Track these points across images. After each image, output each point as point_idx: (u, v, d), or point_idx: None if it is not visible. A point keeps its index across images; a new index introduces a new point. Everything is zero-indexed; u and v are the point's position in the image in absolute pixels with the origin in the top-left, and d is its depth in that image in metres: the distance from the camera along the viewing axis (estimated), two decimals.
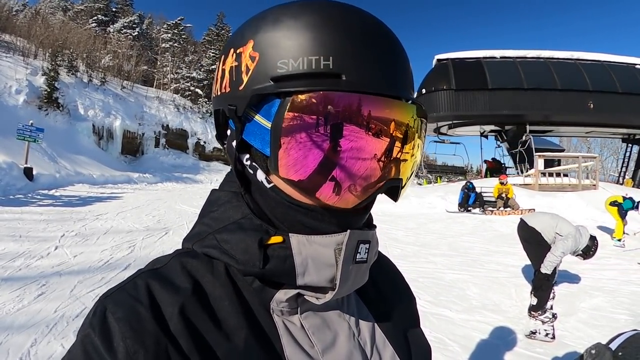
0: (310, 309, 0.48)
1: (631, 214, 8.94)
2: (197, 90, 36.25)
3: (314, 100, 0.40)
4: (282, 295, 0.46)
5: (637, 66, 19.49)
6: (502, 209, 12.75)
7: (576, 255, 4.33)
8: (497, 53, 19.52)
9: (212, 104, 0.52)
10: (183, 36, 41.86)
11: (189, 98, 36.00)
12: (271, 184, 0.45)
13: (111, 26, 37.72)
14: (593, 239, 4.31)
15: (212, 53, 40.04)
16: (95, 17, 38.16)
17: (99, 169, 20.33)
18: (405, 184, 0.47)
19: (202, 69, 38.77)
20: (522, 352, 3.49)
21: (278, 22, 0.43)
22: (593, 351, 0.63)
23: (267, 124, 0.42)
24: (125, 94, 30.00)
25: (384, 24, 0.46)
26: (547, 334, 3.75)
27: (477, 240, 8.54)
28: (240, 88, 0.44)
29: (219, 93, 0.48)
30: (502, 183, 13.12)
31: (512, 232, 9.49)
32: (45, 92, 22.55)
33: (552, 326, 3.83)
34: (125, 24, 38.23)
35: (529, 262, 6.28)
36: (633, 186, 18.87)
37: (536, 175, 15.32)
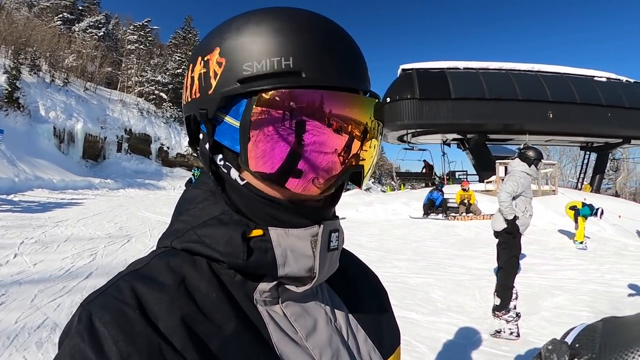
0: (290, 299, 0.50)
1: (590, 219, 9.37)
2: (161, 94, 35.51)
3: (277, 97, 0.43)
4: (265, 285, 0.48)
5: (595, 78, 20.60)
6: (464, 214, 13.13)
7: (531, 165, 4.36)
8: (461, 64, 20.12)
9: (182, 112, 0.54)
10: (149, 38, 40.98)
11: (153, 102, 35.18)
12: (244, 181, 0.48)
13: (76, 25, 36.37)
14: (535, 151, 4.42)
15: (178, 56, 39.38)
16: (61, 15, 36.69)
17: (60, 174, 19.50)
18: (368, 170, 0.50)
19: (168, 73, 38.06)
20: (488, 350, 3.59)
21: (242, 29, 0.46)
22: (550, 347, 0.64)
23: (236, 123, 0.45)
24: (88, 96, 28.97)
25: (336, 24, 0.49)
26: (511, 333, 3.87)
27: (440, 245, 8.73)
28: (210, 92, 0.46)
29: (189, 100, 0.50)
30: (464, 189, 13.59)
31: (474, 236, 9.89)
32: (6, 92, 21.51)
33: (517, 325, 3.95)
34: (91, 24, 36.98)
35: (491, 265, 6.51)
36: (591, 191, 19.86)
37: (497, 182, 15.86)
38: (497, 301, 4.19)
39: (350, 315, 0.57)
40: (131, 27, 40.82)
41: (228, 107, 0.46)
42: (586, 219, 9.07)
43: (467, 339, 3.83)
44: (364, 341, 0.55)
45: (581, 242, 8.71)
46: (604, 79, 20.70)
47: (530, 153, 4.38)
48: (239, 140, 0.45)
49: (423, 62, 20.90)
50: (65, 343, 0.40)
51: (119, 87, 35.14)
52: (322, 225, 0.48)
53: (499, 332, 3.89)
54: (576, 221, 9.08)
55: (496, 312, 4.13)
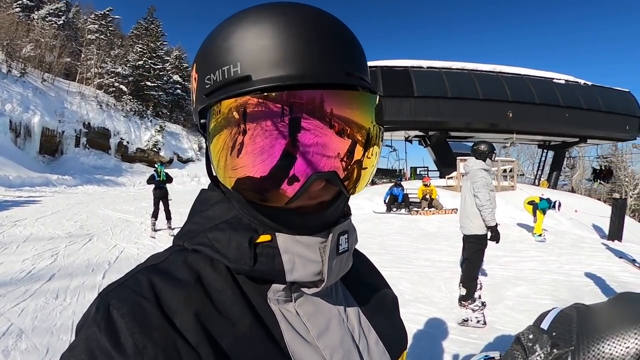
0: (303, 297, 0.50)
1: (549, 214, 9.84)
2: (121, 86, 34.15)
3: (221, 109, 0.41)
4: (278, 285, 0.48)
5: (554, 80, 21.60)
6: (426, 209, 13.49)
7: (486, 159, 4.47)
8: (424, 63, 20.53)
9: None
10: (110, 28, 39.38)
11: (112, 95, 33.77)
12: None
13: (36, 12, 34.25)
14: (487, 144, 4.54)
15: (140, 48, 38.01)
16: (20, 1, 34.47)
17: (16, 170, 18.45)
18: (350, 176, 0.44)
19: (129, 65, 36.66)
20: (457, 338, 3.72)
21: (206, 41, 0.46)
22: (530, 336, 0.69)
23: (210, 137, 0.45)
24: (46, 87, 27.43)
25: (298, 11, 0.43)
26: (478, 321, 4.03)
27: (404, 239, 8.91)
28: (194, 105, 0.48)
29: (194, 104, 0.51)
30: (425, 185, 13.95)
31: (437, 230, 10.18)
32: None
33: (482, 313, 4.11)
34: (51, 11, 34.92)
35: (454, 257, 6.73)
36: (548, 187, 20.84)
37: (458, 178, 16.35)
38: (463, 291, 4.33)
39: (362, 316, 0.57)
40: (92, 16, 39.03)
41: (208, 121, 0.45)
42: (545, 212, 9.52)
43: (436, 329, 3.96)
44: (375, 343, 0.55)
45: (540, 235, 9.13)
46: (562, 82, 21.75)
47: (483, 147, 4.48)
48: (213, 153, 0.44)
49: (387, 59, 21.21)
50: (82, 332, 0.41)
51: (77, 78, 33.56)
52: (331, 233, 0.47)
53: (466, 320, 4.04)
54: (535, 215, 9.51)
55: (462, 302, 4.28)
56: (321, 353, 0.48)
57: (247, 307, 0.46)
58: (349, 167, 0.44)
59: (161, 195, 8.91)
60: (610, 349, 0.58)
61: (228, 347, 0.43)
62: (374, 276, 0.68)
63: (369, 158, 0.46)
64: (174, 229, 8.71)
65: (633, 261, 7.25)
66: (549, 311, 0.74)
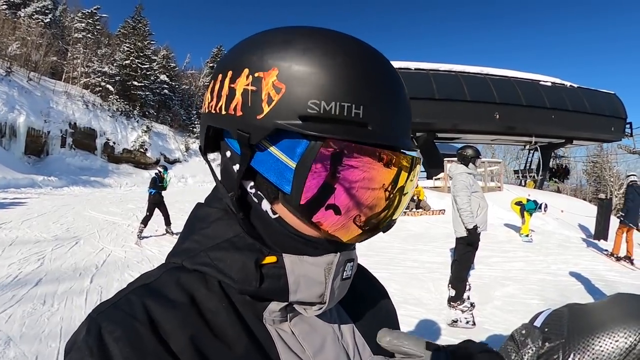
0: (298, 317, 0.50)
1: (535, 215, 10.00)
2: (108, 86, 33.62)
3: (345, 151, 0.41)
4: (275, 305, 0.48)
5: (541, 82, 21.85)
6: (414, 210, 13.61)
7: (469, 164, 4.56)
8: (412, 65, 20.51)
9: (203, 117, 0.50)
10: (97, 27, 38.81)
11: (99, 94, 33.21)
12: (276, 215, 0.46)
13: (22, 10, 33.52)
14: (473, 149, 4.62)
15: (127, 47, 37.48)
16: None
17: (1, 171, 18.08)
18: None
19: (115, 64, 36.13)
20: (447, 339, 3.76)
21: (307, 56, 0.42)
22: (523, 331, 0.71)
23: (290, 163, 0.42)
24: (32, 87, 26.85)
25: (392, 67, 0.47)
26: (467, 322, 4.08)
27: (392, 240, 8.94)
28: (259, 117, 0.42)
29: (222, 112, 0.46)
30: None
31: (425, 231, 10.26)
32: None
33: (472, 314, 4.17)
34: (38, 9, 34.18)
35: (442, 258, 6.78)
36: (534, 188, 21.12)
37: (445, 179, 16.49)
38: (452, 292, 4.38)
39: (357, 332, 0.56)
40: (79, 15, 38.39)
41: (277, 139, 0.43)
42: (531, 213, 9.65)
43: (426, 330, 3.99)
44: (369, 359, 0.55)
45: (527, 235, 9.25)
46: (549, 84, 22.02)
47: (468, 151, 4.57)
48: (292, 183, 0.42)
49: None
50: (72, 354, 0.39)
51: (64, 77, 32.99)
52: (338, 254, 0.47)
53: (455, 321, 4.09)
54: (522, 216, 9.64)
55: (452, 303, 4.34)
56: None
57: (243, 328, 0.46)
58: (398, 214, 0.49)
59: (158, 201, 8.59)
60: (600, 344, 0.60)
61: None
62: (372, 288, 0.68)
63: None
64: (175, 233, 8.55)
65: (610, 254, 7.75)
66: (543, 312, 0.76)
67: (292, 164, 0.41)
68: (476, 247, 4.50)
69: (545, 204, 10.00)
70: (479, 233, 4.44)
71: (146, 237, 8.18)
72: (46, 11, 35.06)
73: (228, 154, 0.49)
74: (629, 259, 7.42)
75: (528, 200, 10.03)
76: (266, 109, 0.42)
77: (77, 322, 3.79)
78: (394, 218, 0.48)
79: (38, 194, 16.43)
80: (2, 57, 26.63)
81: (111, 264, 5.91)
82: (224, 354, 0.42)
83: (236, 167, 0.46)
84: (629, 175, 8.22)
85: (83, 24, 37.16)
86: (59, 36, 35.78)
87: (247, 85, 0.43)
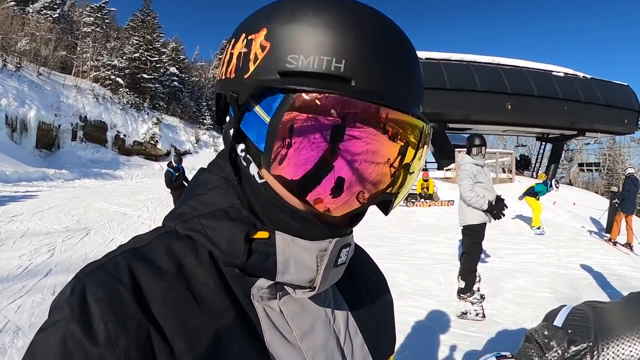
0: (289, 295, 0.48)
1: (547, 206, 9.91)
2: (118, 79, 33.78)
3: (317, 102, 0.38)
4: (264, 282, 0.46)
5: (553, 73, 21.55)
6: (423, 200, 13.63)
7: (472, 149, 4.52)
8: (423, 54, 20.38)
9: (215, 87, 0.50)
10: (106, 21, 38.95)
11: (109, 88, 33.42)
12: (262, 180, 0.44)
13: (30, 6, 33.79)
14: (478, 137, 4.57)
15: (136, 40, 37.63)
16: None
17: (12, 165, 18.33)
18: (398, 198, 0.46)
19: (125, 57, 36.30)
20: (456, 331, 3.73)
21: (295, 15, 0.41)
22: (545, 332, 0.67)
23: (267, 118, 0.41)
24: (42, 81, 27.14)
25: (402, 31, 0.44)
26: (477, 314, 4.04)
27: (402, 231, 8.96)
28: (246, 76, 0.42)
29: (223, 77, 0.46)
30: (424, 180, 14.02)
31: (435, 222, 10.22)
32: None
33: (481, 306, 4.12)
34: (46, 4, 34.42)
35: (452, 249, 6.73)
36: (546, 180, 20.94)
37: (456, 169, 16.37)
38: (462, 284, 4.35)
39: (350, 318, 0.55)
40: (88, 9, 38.58)
41: (261, 98, 0.42)
42: (543, 194, 9.55)
43: (435, 321, 3.96)
44: (360, 347, 0.54)
45: (538, 228, 9.16)
46: (561, 74, 21.71)
47: (473, 139, 4.55)
48: (265, 138, 0.41)
49: None
50: (54, 313, 0.40)
51: (73, 72, 33.26)
52: (333, 241, 0.45)
53: (465, 313, 4.05)
54: (534, 203, 9.55)
55: (461, 295, 4.30)
56: (303, 355, 0.46)
57: (230, 301, 0.44)
58: (404, 194, 0.46)
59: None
60: (629, 348, 0.57)
61: (205, 342, 0.41)
62: (372, 275, 0.66)
63: (414, 185, 0.46)
64: None
65: (609, 240, 8.37)
66: (559, 309, 0.73)
67: (268, 119, 0.41)
68: (482, 238, 4.45)
69: (556, 180, 9.96)
70: (484, 224, 4.39)
71: None
72: (54, 6, 35.28)
73: (227, 118, 0.49)
74: (629, 245, 8.02)
75: (536, 184, 9.95)
76: (252, 67, 0.42)
77: None
78: (391, 191, 0.43)
79: (49, 186, 16.67)
80: (12, 52, 26.86)
81: None
82: (206, 326, 0.42)
83: (231, 132, 0.46)
84: (627, 168, 9.06)
85: (92, 18, 37.37)
86: (68, 31, 36.01)
87: (242, 48, 0.44)
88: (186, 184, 8.10)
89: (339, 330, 0.52)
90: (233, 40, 0.46)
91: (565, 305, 0.74)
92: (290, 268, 0.44)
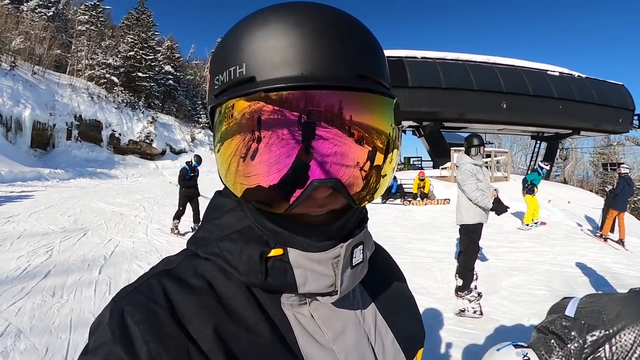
0: (318, 300, 0.49)
1: (544, 194, 10.00)
2: (112, 78, 33.56)
3: (226, 110, 0.40)
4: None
5: (548, 72, 21.65)
6: (419, 199, 13.72)
7: (471, 149, 4.51)
8: (419, 53, 20.39)
9: None
10: (101, 19, 38.65)
11: (104, 86, 33.14)
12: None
13: (25, 4, 33.42)
14: (476, 137, 4.58)
15: (131, 38, 37.35)
16: None
17: (7, 165, 18.18)
18: (357, 183, 0.42)
19: (120, 55, 36.02)
20: (455, 329, 3.78)
21: (219, 42, 0.46)
22: (564, 323, 0.69)
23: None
24: (36, 80, 26.88)
25: (308, 10, 0.42)
26: (474, 311, 4.08)
27: (399, 230, 9.00)
28: (208, 103, 0.47)
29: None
30: (420, 179, 14.10)
31: (431, 220, 10.26)
32: None
33: (479, 304, 4.17)
34: (41, 3, 34.11)
35: (449, 248, 6.77)
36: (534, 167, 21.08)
37: (452, 168, 16.42)
38: (459, 282, 4.39)
39: (379, 316, 0.56)
40: (82, 7, 38.23)
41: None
42: (538, 182, 9.69)
43: (433, 319, 4.00)
44: (391, 344, 0.55)
45: (527, 225, 9.24)
46: (556, 74, 21.82)
47: (470, 140, 4.58)
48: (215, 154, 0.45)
49: None
50: (96, 337, 0.41)
51: (68, 70, 32.99)
52: (343, 246, 0.45)
53: (463, 311, 4.10)
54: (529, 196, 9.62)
55: (459, 293, 4.33)
56: (336, 356, 0.47)
57: (260, 312, 0.46)
58: (358, 174, 0.42)
59: (192, 194, 8.05)
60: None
61: (241, 353, 0.42)
62: (393, 273, 0.68)
63: (385, 164, 0.44)
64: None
65: (600, 236, 8.59)
66: (565, 302, 0.74)
67: (215, 140, 0.44)
68: (478, 237, 4.50)
69: (546, 162, 10.20)
70: (481, 224, 4.44)
71: (185, 234, 7.87)
72: (49, 4, 34.94)
73: None
74: (621, 241, 8.24)
75: (528, 174, 10.08)
76: (207, 96, 0.48)
77: (86, 313, 3.83)
78: (328, 177, 0.40)
79: (45, 186, 16.55)
80: (6, 51, 26.56)
81: (119, 255, 5.96)
82: (240, 337, 0.43)
83: None
84: (620, 164, 9.34)
85: (86, 17, 37.07)
86: (63, 29, 35.71)
87: (208, 81, 0.49)
88: (197, 188, 7.66)
89: (369, 329, 0.53)
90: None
91: (568, 298, 0.77)
92: (309, 279, 0.45)
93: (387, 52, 19.40)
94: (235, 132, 0.40)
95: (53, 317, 3.69)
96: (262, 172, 0.40)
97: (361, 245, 0.49)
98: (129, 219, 9.31)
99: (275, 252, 0.46)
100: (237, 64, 0.41)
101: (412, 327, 0.61)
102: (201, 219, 0.56)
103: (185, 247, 0.53)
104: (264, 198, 0.41)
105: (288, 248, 0.46)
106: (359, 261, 0.48)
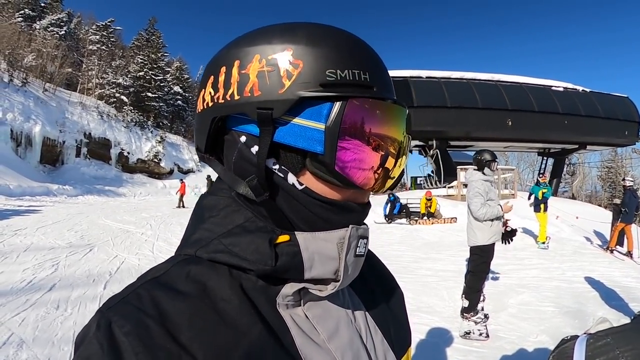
0: (312, 300, 0.50)
1: (552, 211, 9.97)
2: (122, 97, 34.24)
3: (366, 105, 0.45)
4: (289, 289, 0.48)
5: (553, 88, 21.71)
6: (425, 218, 13.66)
7: (485, 168, 4.42)
8: (424, 73, 20.57)
9: (205, 113, 0.50)
10: (112, 39, 39.68)
11: (113, 105, 33.86)
12: (303, 186, 0.47)
13: (38, 22, 34.41)
14: (489, 153, 4.49)
15: (141, 59, 38.25)
16: (22, 11, 34.55)
17: (16, 179, 18.46)
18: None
19: (129, 75, 36.82)
20: (461, 347, 3.70)
21: (315, 38, 0.47)
22: (605, 341, 0.62)
23: (318, 125, 0.45)
24: (47, 97, 27.53)
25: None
26: (480, 334, 3.95)
27: (406, 249, 8.90)
28: (281, 91, 0.45)
29: (235, 97, 0.47)
30: (428, 199, 14.05)
31: (438, 239, 10.17)
32: None
33: (485, 326, 4.04)
34: (53, 21, 35.10)
35: (456, 267, 6.69)
36: (547, 181, 20.90)
37: (458, 187, 16.38)
38: (466, 303, 4.23)
39: (368, 316, 0.57)
40: (93, 27, 39.40)
41: (298, 110, 0.45)
42: (546, 197, 9.64)
43: (439, 338, 3.93)
44: (381, 342, 0.56)
45: (543, 243, 9.11)
46: (561, 89, 21.86)
47: (484, 156, 4.44)
48: (324, 142, 0.44)
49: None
50: (82, 350, 0.39)
51: (78, 89, 33.70)
52: (349, 229, 0.48)
53: (468, 333, 3.96)
54: (539, 212, 9.55)
55: (465, 314, 4.18)
56: (333, 355, 0.48)
57: (256, 315, 0.45)
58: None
59: None
60: None
61: (239, 358, 0.42)
62: (381, 272, 0.69)
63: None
64: None
65: (607, 248, 8.74)
66: (570, 346, 0.65)
67: (321, 126, 0.44)
68: (491, 258, 4.38)
69: (542, 175, 10.27)
70: (493, 243, 4.34)
71: None
72: (61, 24, 35.98)
73: (243, 139, 0.49)
74: (629, 253, 8.26)
75: (533, 187, 10.07)
76: (287, 83, 0.45)
77: None
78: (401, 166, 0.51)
79: (53, 202, 16.73)
80: (19, 68, 27.31)
81: (125, 271, 5.94)
82: (236, 343, 0.42)
83: (254, 149, 0.47)
84: (624, 179, 9.30)
85: (97, 36, 38.07)
86: (74, 48, 36.63)
87: (262, 68, 0.46)
88: None
89: (359, 328, 0.54)
90: (238, 62, 0.47)
91: (569, 340, 0.69)
92: (315, 263, 0.47)
93: (393, 73, 19.58)
94: (368, 127, 0.46)
95: (56, 329, 3.68)
96: (381, 161, 0.48)
97: (366, 239, 0.51)
98: (136, 237, 9.32)
99: (282, 238, 0.47)
100: (361, 70, 0.46)
101: (399, 326, 0.63)
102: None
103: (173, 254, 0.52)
104: (373, 182, 0.48)
105: (296, 232, 0.48)
106: (361, 253, 0.51)
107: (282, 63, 0.45)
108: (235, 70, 0.47)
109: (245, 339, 0.43)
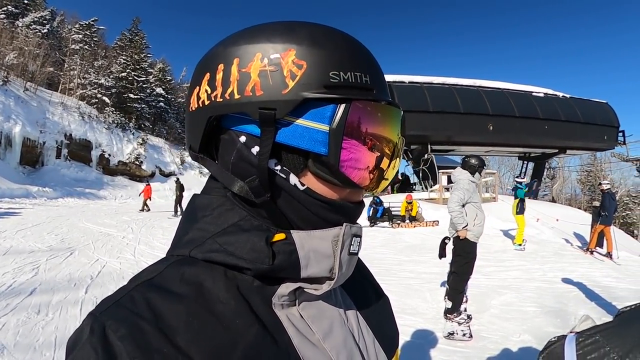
0: (307, 300, 0.50)
1: (530, 223, 10.12)
2: (104, 98, 33.49)
3: (368, 108, 0.47)
4: (284, 289, 0.48)
5: (533, 93, 22.11)
6: (407, 221, 13.81)
7: (475, 173, 4.54)
8: (406, 78, 20.63)
9: (201, 112, 0.49)
10: (95, 39, 38.87)
11: (95, 106, 33.05)
12: (304, 187, 0.47)
13: (20, 20, 33.49)
14: (478, 159, 4.61)
15: (124, 59, 37.56)
16: (5, 8, 33.57)
17: None
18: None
19: (112, 76, 36.13)
20: (445, 347, 3.76)
21: (318, 38, 0.47)
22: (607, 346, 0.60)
23: (322, 126, 0.45)
24: (28, 97, 26.72)
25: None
26: (464, 334, 4.01)
27: (388, 252, 8.96)
28: (285, 92, 0.44)
29: (235, 97, 0.46)
30: (408, 202, 14.22)
31: (420, 242, 10.27)
32: None
33: (468, 326, 4.11)
34: (36, 19, 34.17)
35: (439, 269, 6.76)
36: (529, 198, 21.27)
37: (440, 190, 16.62)
38: (449, 304, 4.29)
39: (360, 317, 0.58)
40: (77, 26, 38.47)
41: (301, 111, 0.45)
42: (523, 195, 9.89)
43: (423, 339, 3.98)
44: (372, 342, 0.57)
45: (520, 244, 9.32)
46: (541, 94, 22.27)
47: (474, 161, 4.57)
48: (328, 143, 0.45)
49: None
50: (75, 355, 0.38)
51: (60, 88, 32.93)
52: (343, 227, 0.49)
53: (452, 334, 4.01)
54: (518, 214, 9.76)
55: (448, 315, 4.24)
56: (328, 354, 0.48)
57: (252, 316, 0.45)
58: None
59: None
60: None
61: (236, 358, 0.41)
62: (367, 276, 0.70)
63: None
64: None
65: (587, 249, 9.03)
66: (559, 347, 0.64)
67: (324, 127, 0.45)
68: (475, 258, 4.45)
69: (521, 176, 10.46)
70: (476, 243, 4.43)
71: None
72: (44, 22, 35.09)
73: (242, 139, 0.48)
74: (609, 254, 8.60)
75: (516, 187, 10.24)
76: (291, 83, 0.45)
77: (72, 331, 3.74)
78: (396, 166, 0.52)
79: (32, 204, 16.35)
80: (0, 66, 26.55)
81: (106, 275, 5.85)
82: (233, 344, 0.42)
83: (255, 150, 0.47)
84: (602, 183, 9.59)
85: (80, 36, 37.26)
86: (56, 47, 35.79)
87: (264, 67, 0.45)
88: None
89: (352, 328, 0.55)
90: (238, 60, 0.46)
91: (557, 341, 0.68)
92: (311, 261, 0.47)
93: None
94: (371, 128, 0.47)
95: (37, 334, 3.61)
96: (383, 163, 0.49)
97: (359, 239, 0.52)
98: (117, 240, 9.17)
99: (278, 236, 0.47)
100: (362, 72, 0.47)
101: (388, 327, 0.64)
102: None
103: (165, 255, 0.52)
104: (371, 182, 0.49)
105: (291, 231, 0.48)
106: (355, 252, 0.51)
107: (285, 63, 0.45)
108: (234, 68, 0.46)
109: (242, 340, 0.43)
